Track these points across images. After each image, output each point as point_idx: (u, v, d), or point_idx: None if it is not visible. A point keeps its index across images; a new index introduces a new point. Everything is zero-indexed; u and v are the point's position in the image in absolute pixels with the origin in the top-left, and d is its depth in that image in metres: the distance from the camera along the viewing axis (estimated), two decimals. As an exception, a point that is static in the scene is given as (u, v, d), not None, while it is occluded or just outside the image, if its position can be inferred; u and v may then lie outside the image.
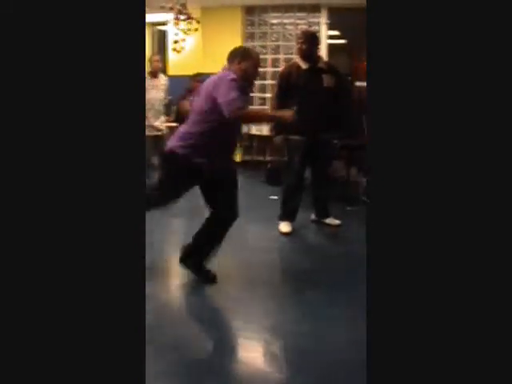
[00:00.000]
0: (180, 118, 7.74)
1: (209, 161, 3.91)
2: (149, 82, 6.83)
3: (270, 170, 8.21)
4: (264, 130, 8.79)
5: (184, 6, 7.89)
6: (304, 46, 5.33)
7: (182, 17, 7.92)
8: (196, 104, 4.04)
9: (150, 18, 10.16)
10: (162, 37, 11.09)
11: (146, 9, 7.54)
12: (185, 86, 8.16)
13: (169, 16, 8.21)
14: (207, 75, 8.27)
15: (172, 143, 4.02)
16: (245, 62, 3.97)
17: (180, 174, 4.01)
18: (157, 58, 7.00)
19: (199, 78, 7.94)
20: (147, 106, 6.84)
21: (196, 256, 4.19)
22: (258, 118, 3.98)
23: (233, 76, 3.79)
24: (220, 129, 3.86)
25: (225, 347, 3.28)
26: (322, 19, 9.25)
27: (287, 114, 4.04)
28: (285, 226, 5.51)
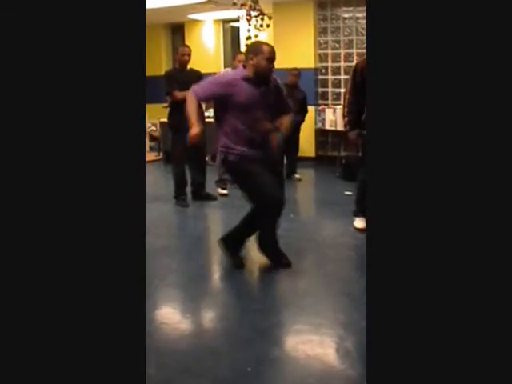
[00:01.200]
0: None
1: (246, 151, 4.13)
2: None
3: (344, 166, 8.14)
4: (339, 125, 8.72)
5: (256, 1, 7.88)
6: None
7: (254, 13, 7.91)
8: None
9: (221, 14, 10.27)
10: (234, 33, 11.17)
11: (218, 6, 7.59)
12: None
13: (241, 12, 8.22)
14: (306, 70, 8.17)
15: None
16: (256, 57, 4.06)
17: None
18: (241, 57, 6.91)
19: (296, 72, 7.93)
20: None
21: (235, 239, 4.50)
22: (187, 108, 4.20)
23: (219, 75, 4.10)
24: (240, 123, 4.12)
25: (298, 342, 3.26)
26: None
27: (194, 131, 4.07)
28: (360, 222, 5.44)
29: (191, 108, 4.11)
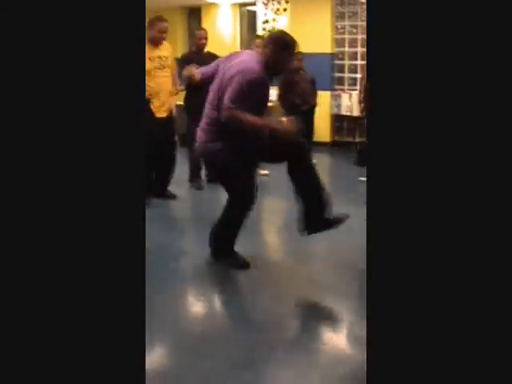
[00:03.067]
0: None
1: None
2: None
3: (359, 152, 8.13)
4: (354, 110, 8.74)
5: None
6: None
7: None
8: (214, 87, 3.87)
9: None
10: (251, 17, 11.16)
11: None
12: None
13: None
14: (322, 55, 8.02)
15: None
16: (281, 51, 3.75)
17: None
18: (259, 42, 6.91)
19: (301, 56, 7.91)
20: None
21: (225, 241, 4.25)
22: (252, 127, 3.66)
23: (255, 75, 3.61)
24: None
25: (309, 328, 3.32)
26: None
27: (287, 127, 3.77)
28: None
29: (251, 123, 3.68)
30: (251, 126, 3.68)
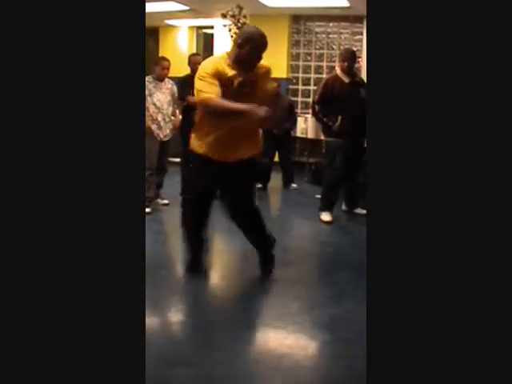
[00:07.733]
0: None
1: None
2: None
3: (314, 171, 8.61)
4: (309, 133, 9.25)
5: (240, 13, 8.25)
6: (346, 64, 6.09)
7: (239, 24, 8.31)
8: None
9: (197, 21, 10.67)
10: (207, 39, 11.55)
11: (198, 14, 7.69)
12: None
13: (221, 21, 8.66)
14: (278, 79, 8.36)
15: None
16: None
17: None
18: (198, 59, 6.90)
19: (277, 83, 8.17)
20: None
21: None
22: (222, 108, 3.77)
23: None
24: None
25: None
26: (365, 29, 9.48)
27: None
28: (326, 216, 6.36)
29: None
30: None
